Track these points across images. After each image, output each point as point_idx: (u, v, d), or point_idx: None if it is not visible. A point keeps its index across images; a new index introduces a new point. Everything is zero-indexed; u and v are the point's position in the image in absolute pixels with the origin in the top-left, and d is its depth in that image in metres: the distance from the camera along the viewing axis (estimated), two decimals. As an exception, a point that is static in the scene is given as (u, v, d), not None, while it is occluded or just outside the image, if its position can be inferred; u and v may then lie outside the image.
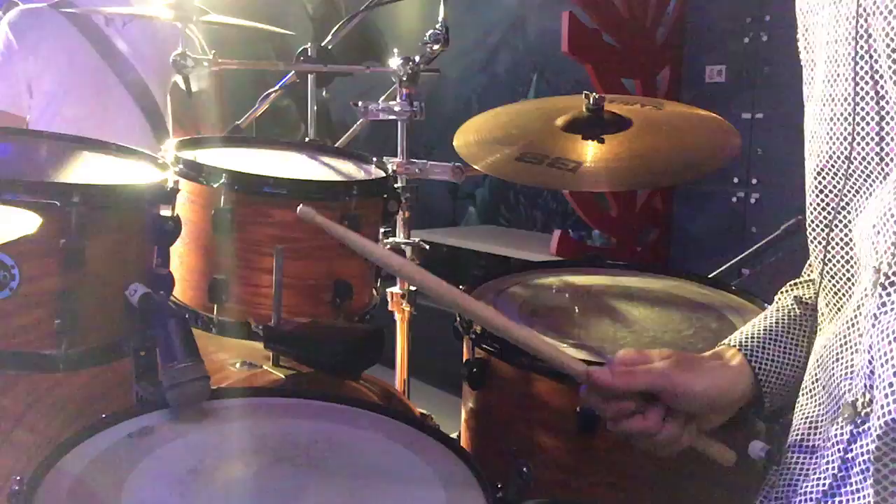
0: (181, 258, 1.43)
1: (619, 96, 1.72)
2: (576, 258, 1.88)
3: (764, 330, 1.02)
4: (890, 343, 0.71)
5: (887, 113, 0.77)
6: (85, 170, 1.30)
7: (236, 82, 4.87)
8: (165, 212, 1.27)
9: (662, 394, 0.92)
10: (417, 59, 1.79)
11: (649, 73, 3.72)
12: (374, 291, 1.59)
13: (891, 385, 0.70)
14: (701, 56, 3.63)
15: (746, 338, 1.01)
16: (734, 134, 1.58)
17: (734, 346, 1.01)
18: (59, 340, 1.12)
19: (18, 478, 0.77)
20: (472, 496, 0.85)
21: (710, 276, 1.89)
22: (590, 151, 1.51)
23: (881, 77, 0.77)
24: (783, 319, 1.02)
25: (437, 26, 1.81)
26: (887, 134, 0.77)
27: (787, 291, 1.07)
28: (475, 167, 1.57)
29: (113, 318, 1.17)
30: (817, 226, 0.88)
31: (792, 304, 1.04)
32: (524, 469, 0.97)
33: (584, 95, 1.57)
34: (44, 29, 2.49)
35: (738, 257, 2.65)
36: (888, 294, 0.73)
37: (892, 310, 0.72)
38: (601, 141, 1.52)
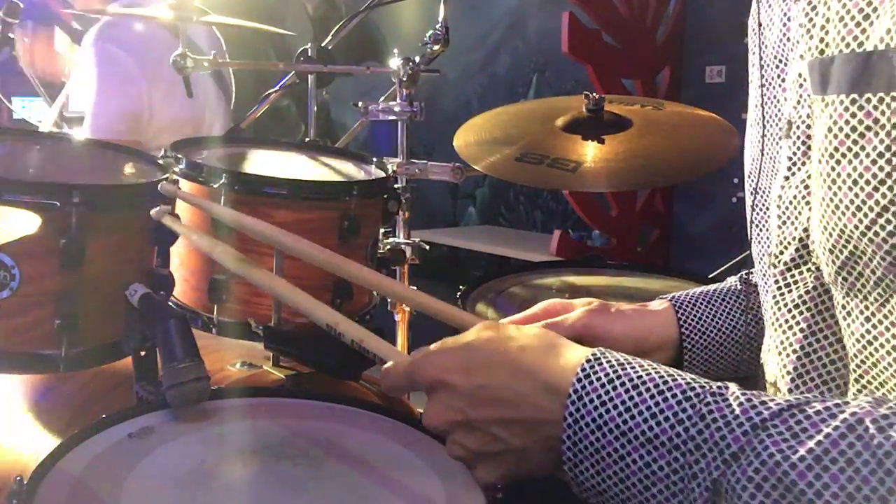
0: (181, 258, 1.43)
1: (619, 96, 1.72)
2: (576, 258, 1.88)
3: (700, 292, 1.07)
4: (790, 311, 0.76)
5: (780, 115, 0.83)
6: (85, 170, 1.30)
7: (236, 82, 4.88)
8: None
9: (583, 340, 0.95)
10: (417, 59, 1.79)
11: (649, 73, 3.73)
12: (375, 291, 1.59)
13: (795, 348, 0.75)
14: (701, 56, 3.64)
15: (681, 294, 1.07)
16: (734, 134, 1.58)
17: (665, 297, 1.06)
18: (59, 340, 1.12)
19: (18, 478, 0.77)
20: (472, 496, 0.85)
21: (710, 276, 1.89)
22: (590, 151, 1.51)
23: (773, 83, 0.84)
24: (722, 289, 1.08)
25: (437, 26, 1.81)
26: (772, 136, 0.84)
27: (741, 273, 1.12)
28: (475, 167, 1.57)
29: (113, 318, 1.17)
30: (752, 226, 0.94)
31: (735, 281, 1.09)
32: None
33: (584, 96, 1.57)
34: (152, 47, 2.33)
35: (739, 257, 2.65)
36: (780, 271, 0.78)
37: (775, 283, 0.78)
38: (601, 141, 1.52)
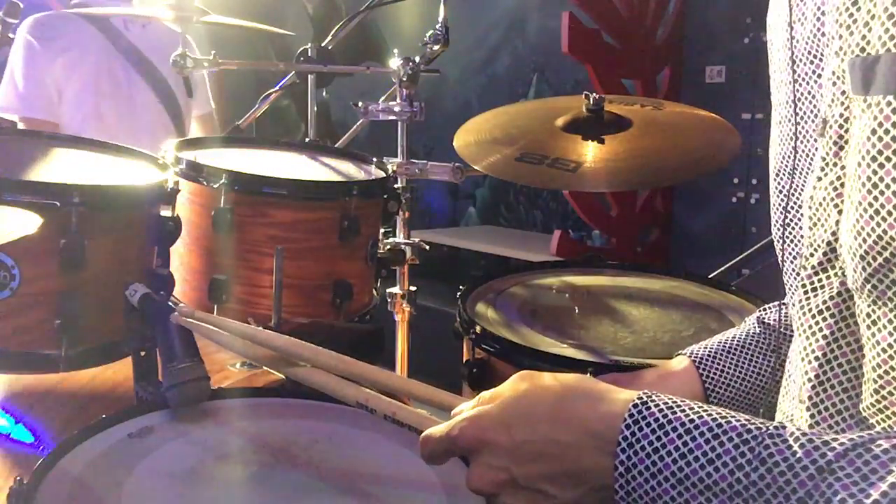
0: (181, 258, 1.43)
1: (619, 96, 1.72)
2: (576, 258, 1.88)
3: (718, 342, 1.04)
4: (814, 317, 0.74)
5: (815, 112, 0.82)
6: (85, 170, 1.30)
7: (236, 82, 4.87)
8: (165, 212, 1.27)
9: None
10: (417, 59, 1.79)
11: (649, 73, 3.73)
12: (374, 291, 1.59)
13: (818, 356, 0.73)
14: (701, 56, 3.64)
15: (700, 348, 1.04)
16: (734, 134, 1.58)
17: (685, 354, 1.03)
18: (59, 340, 1.11)
19: (18, 478, 0.77)
20: (473, 497, 0.85)
21: (710, 276, 1.89)
22: (590, 151, 1.51)
23: (807, 78, 0.82)
24: (741, 336, 1.05)
25: (437, 26, 1.81)
26: (809, 133, 0.83)
27: (756, 314, 1.10)
28: (475, 167, 1.57)
29: (113, 318, 1.17)
30: (778, 226, 0.92)
31: (753, 324, 1.07)
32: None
33: (584, 95, 1.57)
34: (66, 31, 2.47)
35: (739, 257, 2.65)
36: (808, 274, 0.76)
37: (802, 286, 0.76)
38: (601, 141, 1.52)
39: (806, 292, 0.75)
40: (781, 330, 1.02)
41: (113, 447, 0.90)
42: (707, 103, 1.86)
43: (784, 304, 1.02)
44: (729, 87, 3.52)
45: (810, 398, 0.74)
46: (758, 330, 1.05)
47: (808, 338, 0.75)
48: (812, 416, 0.74)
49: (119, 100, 2.53)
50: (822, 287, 0.74)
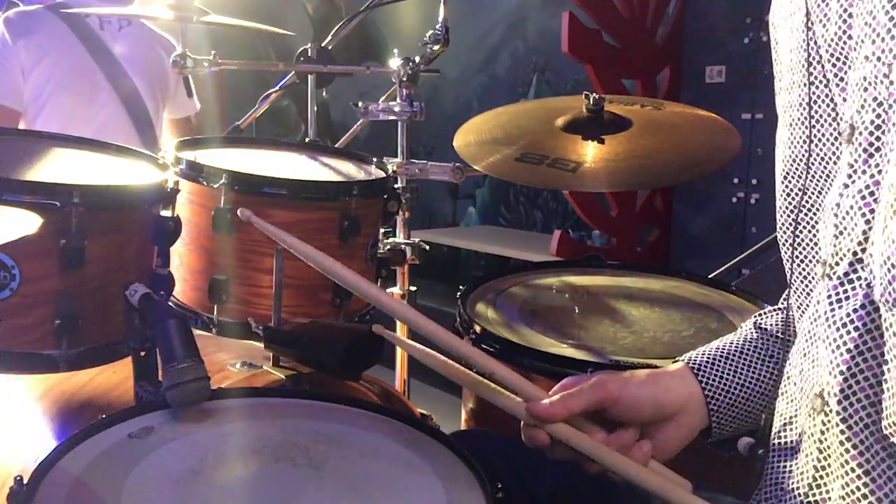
0: (181, 258, 1.43)
1: (619, 96, 1.72)
2: (576, 258, 1.88)
3: (716, 349, 1.02)
4: (838, 329, 0.73)
5: (835, 116, 0.80)
6: (85, 170, 1.30)
7: (236, 82, 4.86)
8: (165, 212, 1.28)
9: (604, 403, 0.92)
10: (417, 59, 1.79)
11: (649, 73, 3.73)
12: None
13: (842, 370, 0.72)
14: (701, 56, 3.64)
15: (697, 354, 1.02)
16: (734, 134, 1.58)
17: (682, 360, 1.01)
18: (59, 340, 1.12)
19: (18, 478, 0.77)
20: (472, 496, 0.85)
21: (710, 276, 1.89)
22: (590, 151, 1.51)
23: (828, 81, 0.80)
24: (738, 341, 1.03)
25: (437, 27, 1.81)
26: (836, 135, 0.81)
27: (752, 319, 1.08)
28: (475, 167, 1.57)
29: (113, 318, 1.17)
30: (786, 229, 0.90)
31: (750, 329, 1.05)
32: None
33: (584, 96, 1.57)
34: (37, 26, 2.55)
35: (739, 257, 2.65)
36: (833, 285, 0.74)
37: (828, 297, 0.75)
38: (601, 141, 1.52)
39: (831, 303, 0.74)
40: (778, 335, 1.00)
41: (113, 447, 0.90)
42: (707, 103, 1.86)
43: (780, 308, 1.02)
44: (729, 87, 3.52)
45: (838, 413, 0.72)
46: (755, 335, 1.03)
47: (832, 351, 0.73)
48: (842, 431, 0.72)
49: (79, 98, 2.57)
50: (847, 298, 0.72)
